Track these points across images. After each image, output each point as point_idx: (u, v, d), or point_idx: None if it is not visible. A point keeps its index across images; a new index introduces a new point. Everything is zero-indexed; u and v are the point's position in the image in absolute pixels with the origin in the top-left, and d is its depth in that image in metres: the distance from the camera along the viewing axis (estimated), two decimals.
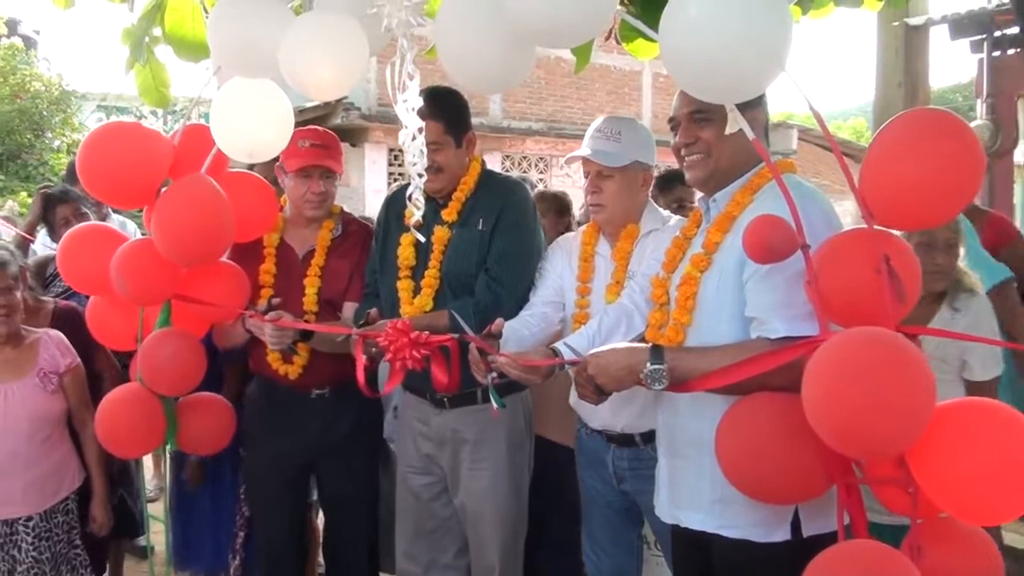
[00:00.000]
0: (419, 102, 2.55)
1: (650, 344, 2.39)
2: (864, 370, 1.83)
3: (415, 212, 2.72)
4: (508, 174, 3.75)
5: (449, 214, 3.30)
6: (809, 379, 1.93)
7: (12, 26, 18.89)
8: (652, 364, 2.28)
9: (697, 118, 2.47)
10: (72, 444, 3.65)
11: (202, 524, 4.02)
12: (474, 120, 3.42)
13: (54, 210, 4.71)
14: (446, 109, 3.23)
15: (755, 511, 2.29)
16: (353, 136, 15.10)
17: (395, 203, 3.44)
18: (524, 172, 16.92)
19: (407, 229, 3.09)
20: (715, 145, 2.46)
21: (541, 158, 17.67)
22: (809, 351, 1.98)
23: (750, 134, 2.21)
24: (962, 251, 3.27)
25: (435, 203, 3.33)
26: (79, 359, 3.64)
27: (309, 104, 12.93)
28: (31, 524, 3.45)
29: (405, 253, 3.31)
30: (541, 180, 17.63)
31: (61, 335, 3.65)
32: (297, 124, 3.22)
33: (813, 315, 2.11)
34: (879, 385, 1.81)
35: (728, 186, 2.49)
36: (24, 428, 3.41)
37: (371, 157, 15.52)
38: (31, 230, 4.98)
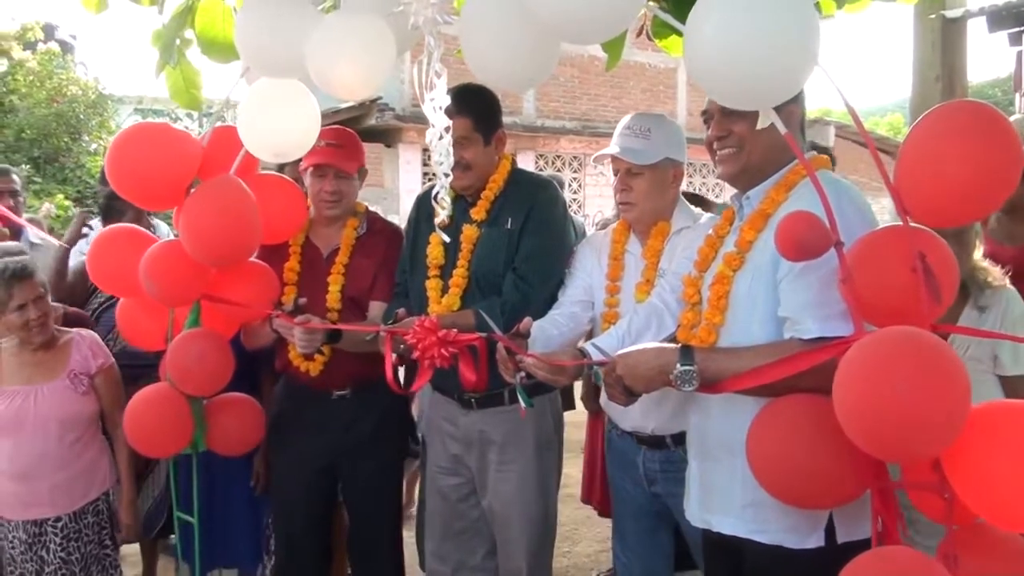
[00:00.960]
0: (446, 100, 2.52)
1: (680, 344, 2.35)
2: (896, 370, 1.78)
3: (440, 212, 2.71)
4: (539, 173, 3.72)
5: (478, 213, 3.28)
6: (840, 379, 1.88)
7: (49, 31, 19.16)
8: (682, 365, 2.24)
9: (730, 112, 2.41)
10: (105, 444, 3.66)
11: (237, 522, 4.01)
12: (507, 119, 3.40)
13: (120, 210, 4.68)
14: (476, 106, 3.21)
15: (788, 516, 2.24)
16: (387, 137, 15.16)
17: (426, 203, 3.43)
18: (558, 171, 16.92)
19: (444, 228, 3.08)
20: (748, 139, 2.40)
21: (575, 157, 17.65)
22: (842, 352, 1.93)
23: (782, 128, 2.16)
24: (979, 246, 3.08)
25: (464, 202, 3.33)
26: (112, 359, 3.65)
27: (344, 105, 12.99)
28: (59, 525, 3.46)
29: (434, 252, 3.30)
30: (575, 179, 17.63)
31: (95, 335, 3.66)
32: (332, 125, 3.20)
33: (847, 315, 2.07)
34: (911, 385, 1.75)
35: (762, 183, 2.44)
36: (54, 430, 3.42)
37: (405, 158, 15.57)
38: (72, 243, 4.97)
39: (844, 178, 2.39)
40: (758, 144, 2.40)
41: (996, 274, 3.05)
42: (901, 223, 2.04)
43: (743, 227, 2.42)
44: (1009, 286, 3.05)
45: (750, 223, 2.40)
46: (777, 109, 2.24)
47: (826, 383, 1.94)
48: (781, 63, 1.96)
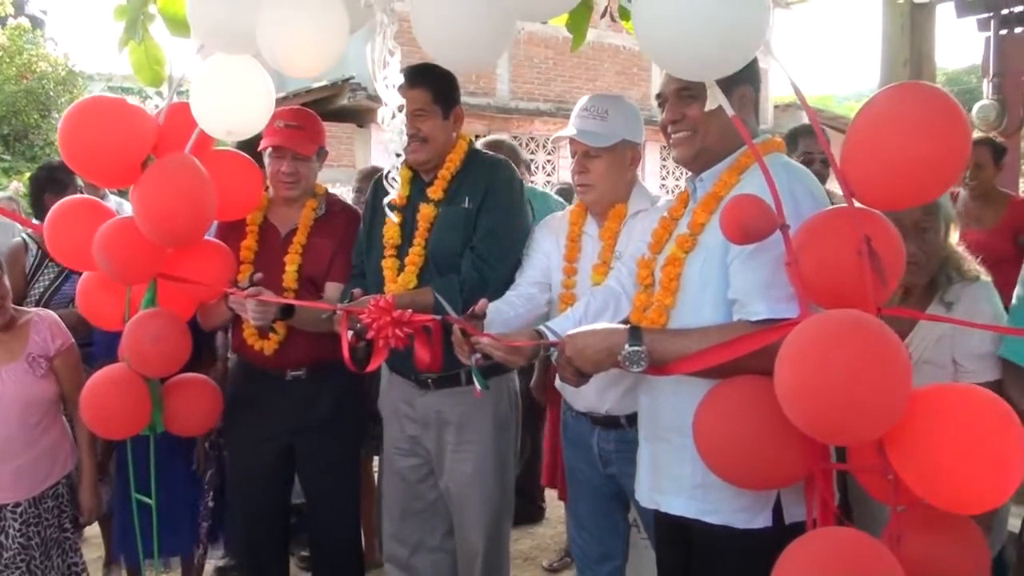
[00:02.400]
0: (400, 79, 2.51)
1: (629, 325, 2.35)
2: (834, 352, 1.79)
3: (390, 190, 2.69)
4: (495, 154, 3.71)
5: (435, 192, 3.27)
6: (780, 361, 1.89)
7: (19, 6, 18.96)
8: (630, 346, 2.24)
9: (684, 95, 2.41)
10: (65, 427, 3.61)
11: (177, 508, 3.89)
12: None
13: (63, 184, 4.62)
14: (435, 80, 3.20)
15: (737, 497, 2.26)
16: (360, 117, 15.05)
17: (383, 184, 3.42)
18: (532, 153, 16.88)
19: (392, 208, 3.07)
20: (701, 122, 2.39)
21: (549, 139, 17.60)
22: (786, 334, 1.94)
23: (730, 111, 2.16)
24: (955, 235, 2.77)
25: (421, 181, 3.33)
26: (72, 340, 3.59)
27: (316, 85, 12.91)
28: (19, 510, 3.40)
29: (390, 232, 3.29)
30: (549, 161, 17.60)
31: (54, 316, 3.60)
32: (305, 105, 3.17)
33: (796, 297, 2.07)
34: (849, 367, 1.77)
35: (715, 165, 2.44)
36: (14, 414, 3.36)
37: (377, 137, 15.44)
38: None
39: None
40: (712, 127, 2.39)
41: (970, 265, 2.78)
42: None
43: (696, 209, 2.42)
44: (983, 279, 2.75)
45: (703, 205, 2.40)
46: (729, 91, 2.25)
47: (772, 365, 1.95)
48: (726, 31, 1.96)
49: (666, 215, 2.62)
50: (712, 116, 2.34)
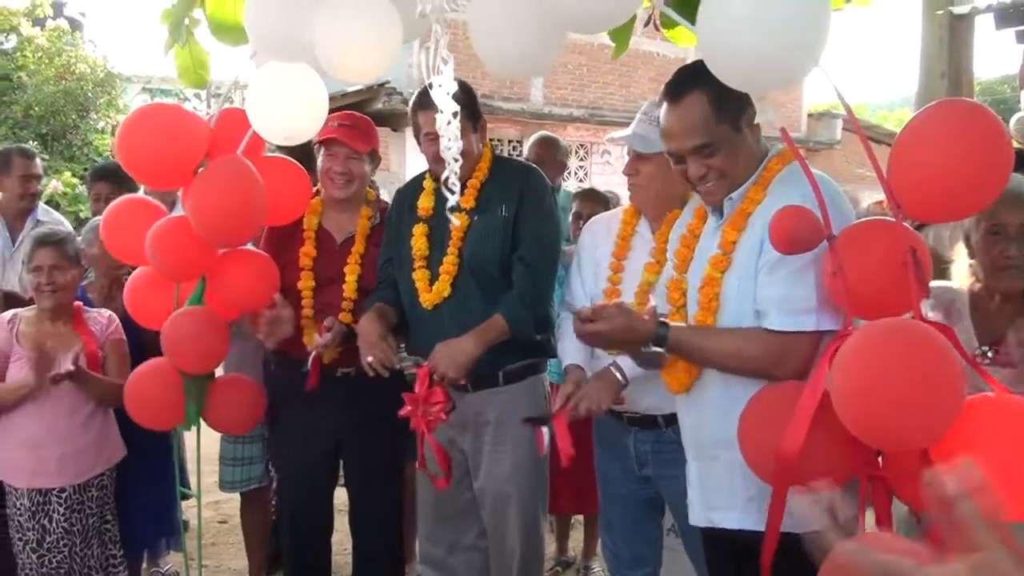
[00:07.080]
0: (454, 86, 2.55)
1: (659, 321, 2.39)
2: (889, 359, 1.84)
3: (450, 197, 2.71)
4: (522, 159, 3.75)
5: (466, 201, 3.26)
6: (836, 366, 1.94)
7: (58, 8, 19.05)
8: (655, 347, 2.35)
9: (704, 151, 2.41)
10: (113, 420, 3.68)
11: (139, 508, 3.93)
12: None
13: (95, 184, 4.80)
14: (459, 96, 3.17)
15: (790, 503, 2.26)
16: (395, 121, 15.12)
17: (407, 194, 3.48)
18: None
19: (419, 220, 3.10)
20: (728, 165, 2.41)
21: (582, 145, 17.61)
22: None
23: (778, 121, 2.22)
24: None
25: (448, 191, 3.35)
26: (124, 335, 3.69)
27: (351, 88, 12.97)
28: (64, 496, 3.50)
29: (418, 244, 3.32)
30: (581, 167, 17.61)
31: (113, 314, 3.72)
32: (340, 108, 3.21)
33: (812, 310, 2.19)
34: (903, 374, 1.81)
35: (741, 186, 2.45)
36: (66, 401, 3.47)
37: (412, 142, 15.45)
38: None
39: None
40: (738, 164, 2.42)
41: None
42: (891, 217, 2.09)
43: (725, 228, 2.45)
44: None
45: (731, 223, 2.43)
46: (739, 116, 2.37)
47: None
48: (790, 42, 2.02)
49: (685, 232, 2.66)
50: (733, 153, 2.39)
